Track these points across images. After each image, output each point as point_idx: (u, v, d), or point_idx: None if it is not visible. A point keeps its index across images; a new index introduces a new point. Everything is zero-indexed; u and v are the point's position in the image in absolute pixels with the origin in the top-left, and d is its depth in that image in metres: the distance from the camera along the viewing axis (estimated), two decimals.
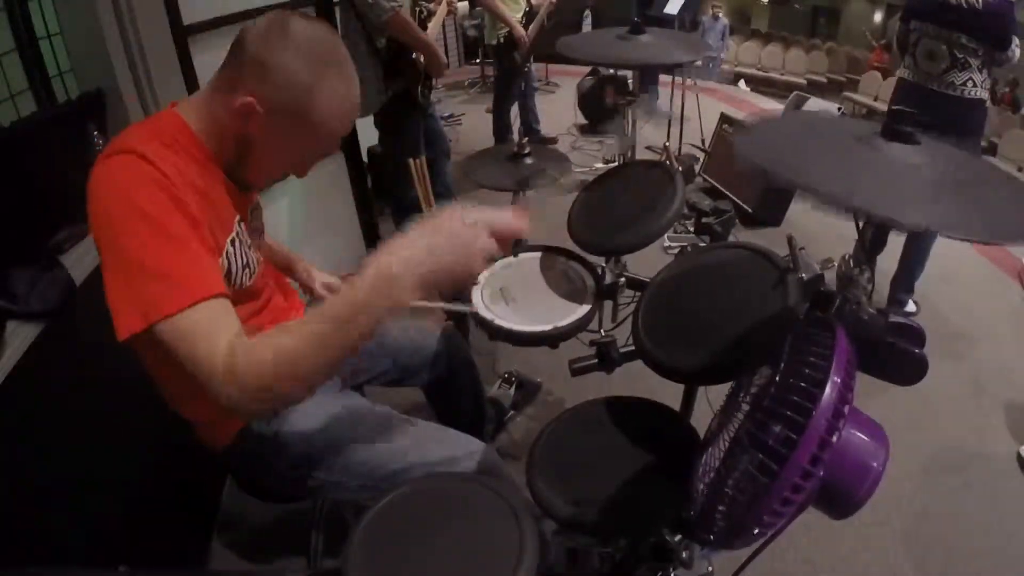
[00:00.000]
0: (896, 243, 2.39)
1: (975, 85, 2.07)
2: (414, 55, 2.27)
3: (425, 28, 2.32)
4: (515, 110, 4.04)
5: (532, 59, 3.83)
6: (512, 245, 0.98)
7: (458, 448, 1.08)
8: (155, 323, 0.70)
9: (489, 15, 3.92)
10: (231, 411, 0.72)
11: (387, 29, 2.15)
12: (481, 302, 1.22)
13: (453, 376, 1.40)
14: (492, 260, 0.70)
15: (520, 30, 3.45)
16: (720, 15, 8.67)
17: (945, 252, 2.37)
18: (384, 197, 3.24)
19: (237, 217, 0.92)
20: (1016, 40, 2.03)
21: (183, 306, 0.70)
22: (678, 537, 1.09)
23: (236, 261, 0.90)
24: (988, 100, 2.13)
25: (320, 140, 0.88)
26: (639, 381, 1.24)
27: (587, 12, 5.32)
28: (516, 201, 1.76)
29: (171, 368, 0.72)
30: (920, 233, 2.30)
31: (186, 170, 0.80)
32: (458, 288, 0.69)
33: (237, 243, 0.90)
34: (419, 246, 0.67)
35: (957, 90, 2.08)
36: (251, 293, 0.98)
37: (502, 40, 3.60)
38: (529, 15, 3.59)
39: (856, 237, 0.83)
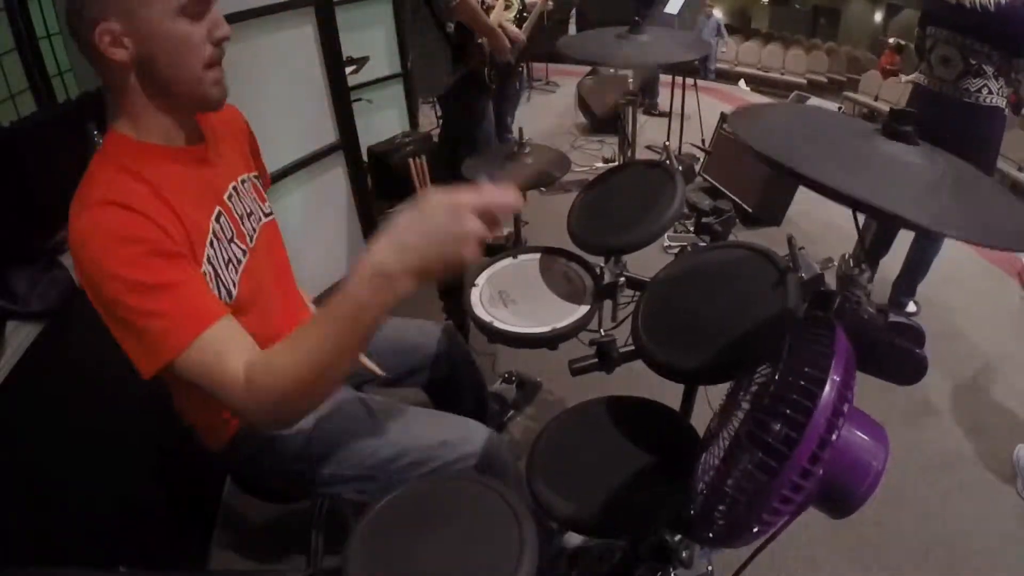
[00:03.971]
0: (900, 247, 2.40)
1: (991, 92, 1.96)
2: (480, 40, 2.46)
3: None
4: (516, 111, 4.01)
5: (528, 61, 3.81)
6: (507, 235, 0.97)
7: (455, 432, 1.08)
8: (162, 368, 0.74)
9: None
10: (256, 426, 0.77)
11: (454, 15, 2.33)
12: (480, 304, 1.22)
13: (454, 375, 1.40)
14: (486, 244, 0.68)
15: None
16: (713, 12, 8.61)
17: (945, 252, 2.37)
18: (384, 197, 3.25)
19: (216, 211, 0.90)
20: None
21: (181, 348, 0.73)
22: (678, 537, 1.10)
23: (218, 260, 0.88)
24: (1008, 110, 2.02)
25: None
26: (639, 381, 1.24)
27: (572, 12, 5.34)
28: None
29: (188, 384, 0.75)
30: (926, 237, 2.28)
31: (157, 191, 0.79)
32: (452, 274, 0.68)
33: (216, 243, 0.88)
34: (408, 238, 0.66)
35: (972, 97, 1.98)
36: (244, 304, 0.92)
37: None
38: (522, 15, 3.57)
39: (856, 236, 0.83)
